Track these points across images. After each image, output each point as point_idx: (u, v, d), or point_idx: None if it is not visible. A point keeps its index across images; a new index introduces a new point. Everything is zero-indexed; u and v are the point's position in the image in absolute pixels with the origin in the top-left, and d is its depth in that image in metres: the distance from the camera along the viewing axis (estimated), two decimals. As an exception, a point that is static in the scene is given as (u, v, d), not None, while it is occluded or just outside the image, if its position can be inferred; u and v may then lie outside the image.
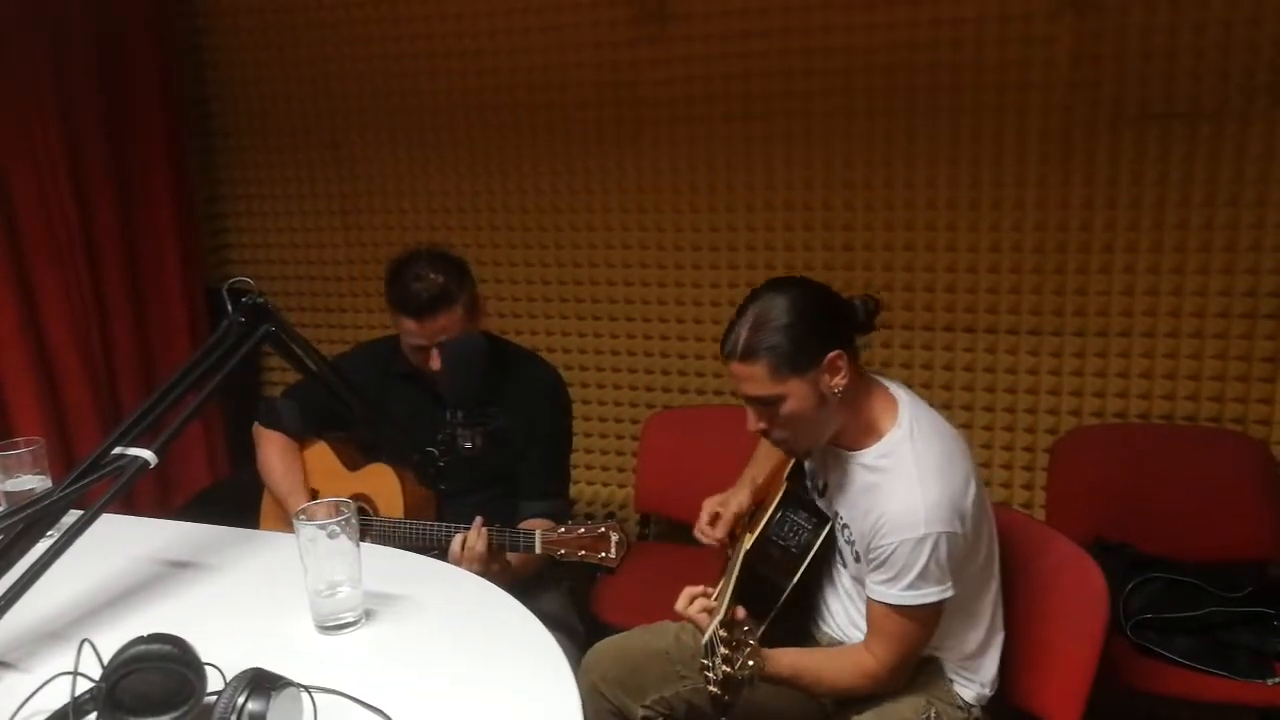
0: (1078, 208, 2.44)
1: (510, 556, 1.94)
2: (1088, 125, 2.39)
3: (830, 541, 1.75)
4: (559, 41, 2.81)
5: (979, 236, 2.54)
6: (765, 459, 1.99)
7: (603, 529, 1.82)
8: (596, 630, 2.28)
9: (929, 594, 1.54)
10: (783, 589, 1.73)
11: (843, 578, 1.78)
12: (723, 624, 1.46)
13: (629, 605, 2.39)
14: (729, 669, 1.39)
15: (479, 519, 1.90)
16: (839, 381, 1.57)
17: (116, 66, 2.86)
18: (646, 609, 1.99)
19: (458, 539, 1.90)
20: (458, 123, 2.99)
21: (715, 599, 1.64)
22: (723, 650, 1.41)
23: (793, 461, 1.89)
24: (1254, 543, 2.30)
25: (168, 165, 3.03)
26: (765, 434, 1.65)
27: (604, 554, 1.82)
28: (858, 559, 1.66)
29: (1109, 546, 2.30)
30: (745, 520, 1.91)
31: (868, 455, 1.63)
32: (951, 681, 1.70)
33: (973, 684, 1.71)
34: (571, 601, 2.23)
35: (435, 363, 2.02)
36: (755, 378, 1.56)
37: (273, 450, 2.20)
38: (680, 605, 1.62)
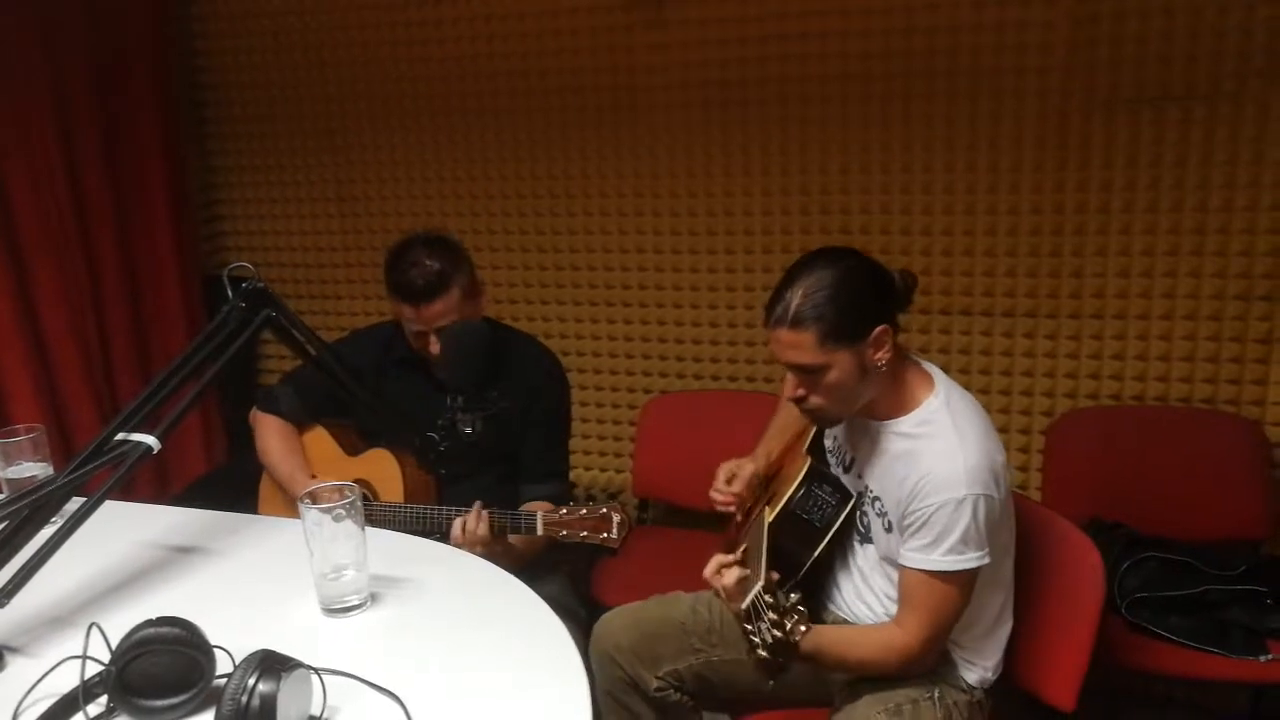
0: (1073, 190, 2.45)
1: (512, 539, 1.95)
2: (1083, 108, 2.40)
3: (850, 519, 1.76)
4: (555, 27, 2.80)
5: (975, 219, 2.55)
6: (779, 434, 1.99)
7: (604, 510, 1.82)
8: (597, 615, 2.29)
9: (969, 559, 1.53)
10: (803, 562, 1.73)
11: (856, 557, 1.79)
12: (764, 588, 1.43)
13: (629, 589, 2.38)
14: (780, 633, 1.35)
15: (478, 503, 1.91)
16: (883, 355, 1.57)
17: (111, 55, 2.84)
18: (646, 592, 2.00)
19: (458, 522, 1.91)
20: (454, 109, 2.98)
21: (748, 563, 1.61)
22: (770, 615, 1.37)
23: (811, 436, 1.89)
24: (1248, 522, 2.32)
25: (162, 153, 3.01)
26: (800, 401, 1.63)
27: (606, 535, 1.82)
28: (889, 529, 1.65)
29: (1104, 526, 2.32)
30: (762, 491, 1.91)
31: (904, 423, 1.63)
32: (956, 664, 1.71)
33: (976, 667, 1.71)
34: (572, 586, 2.24)
35: (435, 348, 2.03)
36: (802, 345, 1.54)
37: (271, 434, 2.20)
38: (709, 572, 1.58)
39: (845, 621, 1.80)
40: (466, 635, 1.39)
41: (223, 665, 1.17)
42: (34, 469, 1.72)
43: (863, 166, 2.62)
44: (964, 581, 1.57)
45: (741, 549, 1.73)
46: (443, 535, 1.91)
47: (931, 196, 2.57)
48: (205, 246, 3.35)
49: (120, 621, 1.20)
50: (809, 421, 1.82)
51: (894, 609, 1.68)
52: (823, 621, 1.84)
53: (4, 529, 1.33)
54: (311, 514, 1.39)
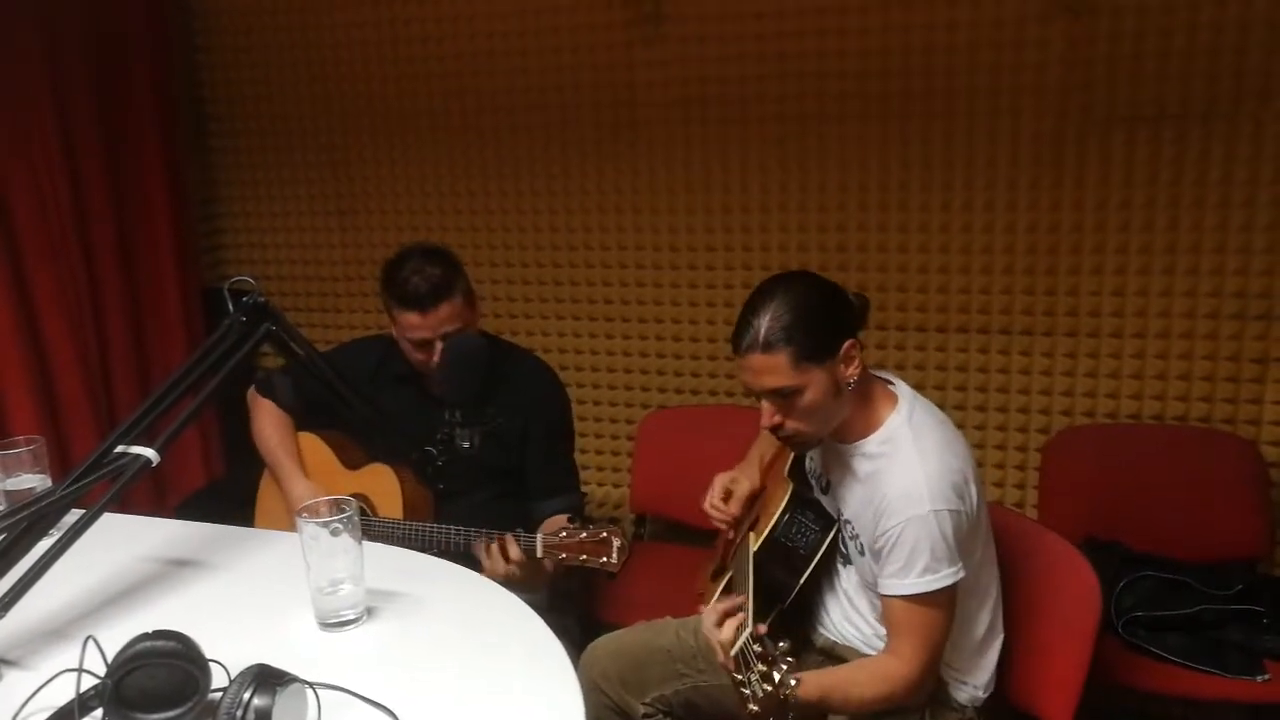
0: (1069, 209, 2.46)
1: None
2: (1079, 127, 2.41)
3: (834, 543, 1.76)
4: (555, 44, 2.82)
5: (971, 237, 2.56)
6: (770, 439, 1.99)
7: (604, 534, 1.79)
8: (591, 629, 2.29)
9: (943, 576, 1.54)
10: (790, 589, 1.74)
11: (841, 579, 1.79)
12: (753, 637, 1.40)
13: (624, 605, 2.40)
14: (770, 687, 1.30)
15: (487, 535, 1.90)
16: (854, 371, 1.58)
17: (112, 66, 2.86)
18: (642, 608, 2.01)
19: (483, 553, 1.89)
20: (454, 124, 3.00)
21: (735, 596, 1.60)
22: (759, 667, 1.33)
23: (792, 458, 1.89)
24: (1243, 541, 2.32)
25: (163, 164, 3.03)
26: (777, 429, 1.63)
27: (605, 559, 1.79)
28: (862, 552, 1.66)
29: (1100, 545, 2.32)
30: (748, 517, 1.91)
31: (868, 444, 1.64)
32: (946, 684, 1.71)
33: (967, 686, 1.71)
34: (567, 601, 2.23)
35: (439, 356, 2.03)
36: (777, 369, 1.55)
37: (266, 419, 2.22)
38: (708, 624, 1.54)
39: (834, 643, 1.80)
40: (462, 650, 1.39)
41: (218, 679, 1.16)
42: (32, 481, 1.72)
43: (861, 184, 2.63)
44: (945, 599, 1.57)
45: (727, 577, 1.73)
46: (441, 552, 1.91)
47: (929, 214, 2.58)
48: (206, 259, 3.36)
49: (116, 635, 1.20)
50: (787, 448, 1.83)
51: (880, 629, 1.68)
52: (812, 644, 1.84)
53: (2, 541, 1.34)
54: (309, 528, 1.39)
